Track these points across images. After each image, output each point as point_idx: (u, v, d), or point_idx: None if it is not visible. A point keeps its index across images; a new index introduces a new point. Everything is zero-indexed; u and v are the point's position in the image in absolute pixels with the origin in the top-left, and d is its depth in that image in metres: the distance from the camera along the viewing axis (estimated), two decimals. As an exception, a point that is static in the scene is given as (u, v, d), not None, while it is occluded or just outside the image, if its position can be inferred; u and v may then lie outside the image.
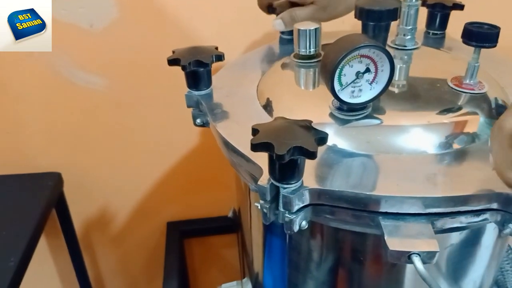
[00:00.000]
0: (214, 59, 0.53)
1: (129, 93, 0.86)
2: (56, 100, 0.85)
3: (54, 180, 0.90)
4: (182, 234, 1.05)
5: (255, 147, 0.36)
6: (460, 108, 0.47)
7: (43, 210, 0.82)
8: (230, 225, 1.01)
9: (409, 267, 0.45)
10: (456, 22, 0.67)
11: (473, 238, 0.47)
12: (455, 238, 0.45)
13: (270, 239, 0.56)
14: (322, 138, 0.37)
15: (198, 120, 0.56)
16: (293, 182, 0.38)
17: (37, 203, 0.83)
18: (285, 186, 0.38)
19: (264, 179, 0.39)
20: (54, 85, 0.83)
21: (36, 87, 0.84)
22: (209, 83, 0.55)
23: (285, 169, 0.37)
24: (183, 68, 0.51)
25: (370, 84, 0.44)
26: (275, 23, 0.64)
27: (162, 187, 1.01)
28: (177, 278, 0.90)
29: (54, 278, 1.10)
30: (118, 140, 0.92)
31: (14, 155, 0.91)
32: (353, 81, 0.44)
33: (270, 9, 0.68)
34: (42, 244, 1.03)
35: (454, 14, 0.66)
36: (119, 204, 1.03)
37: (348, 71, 0.43)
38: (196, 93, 0.55)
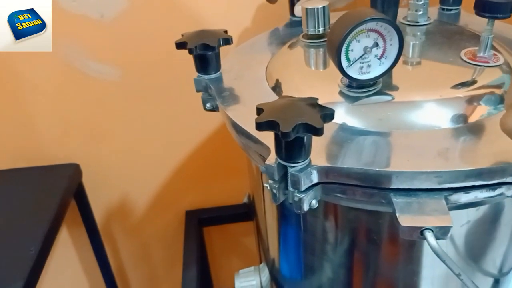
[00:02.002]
0: (221, 43, 0.52)
1: (142, 82, 0.87)
2: (70, 91, 0.86)
3: (72, 171, 0.91)
4: (201, 223, 1.06)
5: (259, 126, 0.35)
6: (474, 82, 0.46)
7: (62, 200, 0.83)
8: (248, 212, 1.01)
9: (426, 246, 0.44)
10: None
11: (492, 215, 0.46)
12: (472, 214, 0.44)
13: (284, 222, 0.56)
14: (328, 115, 0.36)
15: (208, 105, 0.55)
16: (300, 161, 0.37)
17: (56, 194, 0.84)
18: (292, 165, 0.37)
19: (272, 159, 0.38)
20: (67, 76, 0.84)
21: (49, 79, 0.84)
22: (218, 67, 0.55)
23: (291, 147, 0.37)
24: (190, 51, 0.51)
25: (379, 59, 0.43)
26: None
27: (180, 176, 1.01)
28: (196, 265, 0.90)
29: (77, 267, 1.12)
30: (133, 130, 0.93)
31: (31, 148, 0.92)
32: (361, 57, 0.42)
33: None
34: (64, 235, 1.05)
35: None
36: (138, 194, 1.03)
37: (355, 47, 0.42)
38: (205, 77, 0.54)
